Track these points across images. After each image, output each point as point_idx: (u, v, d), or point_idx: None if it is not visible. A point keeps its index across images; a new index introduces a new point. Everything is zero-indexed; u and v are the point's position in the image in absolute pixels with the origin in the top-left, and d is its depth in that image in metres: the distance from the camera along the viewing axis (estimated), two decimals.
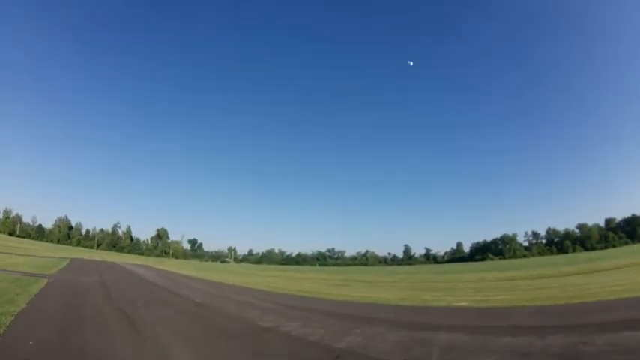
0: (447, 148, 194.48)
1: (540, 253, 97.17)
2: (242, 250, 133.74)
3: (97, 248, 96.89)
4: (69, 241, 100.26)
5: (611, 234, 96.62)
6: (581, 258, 47.78)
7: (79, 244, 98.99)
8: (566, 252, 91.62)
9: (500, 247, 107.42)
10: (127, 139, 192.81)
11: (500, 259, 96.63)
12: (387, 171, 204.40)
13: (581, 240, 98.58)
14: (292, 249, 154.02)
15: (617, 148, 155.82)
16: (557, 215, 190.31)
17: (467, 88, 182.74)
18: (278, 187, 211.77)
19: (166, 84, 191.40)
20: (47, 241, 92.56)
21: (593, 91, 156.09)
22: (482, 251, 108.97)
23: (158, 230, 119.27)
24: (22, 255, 28.91)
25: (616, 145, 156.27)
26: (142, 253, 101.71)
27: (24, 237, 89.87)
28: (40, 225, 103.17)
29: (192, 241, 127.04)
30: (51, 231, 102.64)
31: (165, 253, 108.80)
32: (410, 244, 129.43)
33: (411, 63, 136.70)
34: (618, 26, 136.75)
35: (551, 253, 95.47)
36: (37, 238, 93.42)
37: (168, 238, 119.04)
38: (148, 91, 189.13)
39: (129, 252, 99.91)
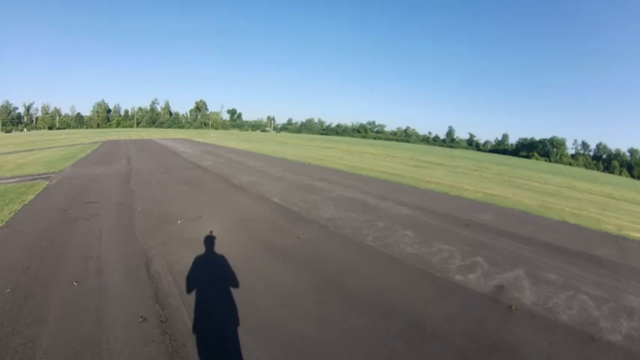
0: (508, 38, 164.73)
1: (586, 166, 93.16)
2: (281, 120, 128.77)
3: (136, 127, 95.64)
4: (108, 124, 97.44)
5: None
6: None
7: (118, 125, 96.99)
8: (612, 172, 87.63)
9: (547, 148, 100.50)
10: (155, 8, 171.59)
11: (545, 160, 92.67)
12: (433, 50, 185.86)
13: (629, 165, 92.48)
14: (331, 119, 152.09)
15: None
16: (606, 133, 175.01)
17: None
18: (317, 56, 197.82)
19: None
20: (87, 128, 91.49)
21: None
22: (528, 148, 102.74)
23: (197, 102, 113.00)
24: (46, 149, 22.65)
25: None
26: (181, 127, 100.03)
27: (64, 128, 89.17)
28: (79, 113, 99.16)
29: (232, 112, 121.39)
30: (90, 117, 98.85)
31: (204, 124, 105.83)
32: (453, 126, 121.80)
33: None
34: None
35: (597, 169, 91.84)
36: (76, 127, 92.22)
37: (207, 109, 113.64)
38: None
39: (168, 127, 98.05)
